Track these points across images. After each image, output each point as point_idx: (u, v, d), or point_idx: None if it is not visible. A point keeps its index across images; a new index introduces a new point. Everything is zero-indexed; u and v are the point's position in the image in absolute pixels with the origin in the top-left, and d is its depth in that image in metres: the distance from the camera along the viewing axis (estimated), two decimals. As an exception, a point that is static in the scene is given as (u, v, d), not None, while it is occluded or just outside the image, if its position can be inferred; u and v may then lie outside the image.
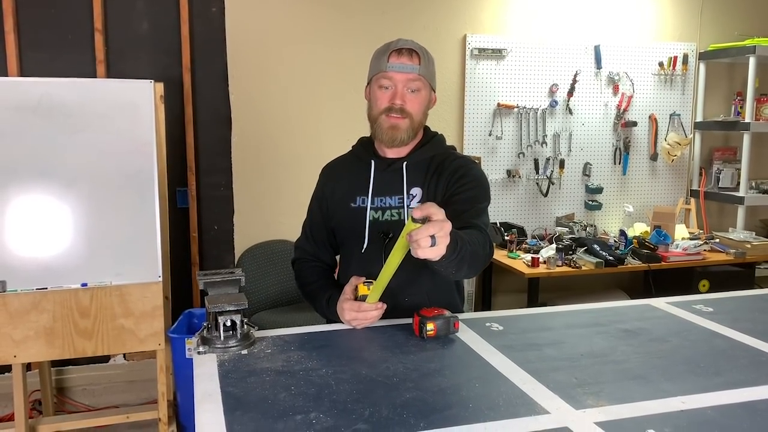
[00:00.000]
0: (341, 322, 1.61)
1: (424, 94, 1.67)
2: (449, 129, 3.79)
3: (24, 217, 2.50)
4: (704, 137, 4.23)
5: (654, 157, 4.11)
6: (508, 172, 3.87)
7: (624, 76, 3.98)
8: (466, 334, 1.55)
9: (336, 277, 1.85)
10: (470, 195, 1.65)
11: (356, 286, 1.58)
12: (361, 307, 1.54)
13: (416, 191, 1.70)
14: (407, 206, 1.68)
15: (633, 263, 3.46)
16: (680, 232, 3.84)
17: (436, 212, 1.26)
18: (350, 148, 1.86)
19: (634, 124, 4.02)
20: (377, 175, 1.73)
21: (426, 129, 1.79)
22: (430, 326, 1.50)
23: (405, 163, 1.71)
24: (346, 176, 1.78)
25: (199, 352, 1.43)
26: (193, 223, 3.42)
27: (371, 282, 1.55)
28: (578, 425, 1.10)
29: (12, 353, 2.48)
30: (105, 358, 3.39)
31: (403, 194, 1.70)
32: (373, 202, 1.71)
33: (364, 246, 1.70)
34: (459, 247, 1.33)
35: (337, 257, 1.87)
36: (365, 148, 1.79)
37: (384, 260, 1.50)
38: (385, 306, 1.55)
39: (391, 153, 1.73)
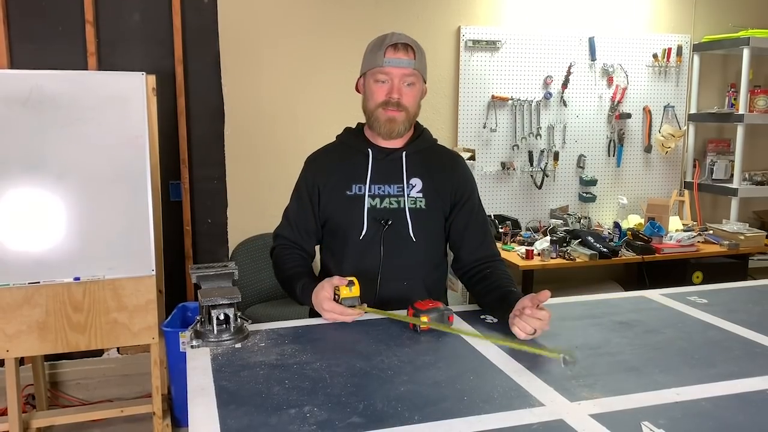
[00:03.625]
0: (312, 308, 1.65)
1: (418, 87, 1.73)
2: (443, 121, 3.78)
3: (15, 210, 2.47)
4: (698, 129, 4.24)
5: (648, 149, 4.11)
6: (503, 165, 3.87)
7: (618, 67, 3.97)
8: (460, 327, 1.55)
9: (321, 266, 1.87)
10: (482, 218, 1.84)
11: (337, 287, 1.58)
12: (345, 311, 1.56)
13: (416, 181, 1.76)
14: (407, 195, 1.74)
15: (627, 255, 3.46)
16: (674, 223, 3.85)
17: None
18: (334, 139, 1.89)
19: (629, 116, 4.02)
20: (375, 163, 1.76)
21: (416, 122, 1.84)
22: (424, 319, 1.50)
23: (405, 153, 1.77)
24: (337, 165, 1.79)
25: (192, 346, 1.42)
26: (186, 217, 3.40)
27: (353, 283, 1.56)
28: (573, 417, 1.10)
29: (5, 348, 2.46)
30: (99, 352, 3.37)
31: (402, 183, 1.76)
32: (370, 190, 1.74)
33: (363, 233, 1.73)
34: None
35: (317, 248, 1.88)
36: (357, 137, 1.82)
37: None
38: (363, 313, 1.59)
39: (386, 143, 1.77)
